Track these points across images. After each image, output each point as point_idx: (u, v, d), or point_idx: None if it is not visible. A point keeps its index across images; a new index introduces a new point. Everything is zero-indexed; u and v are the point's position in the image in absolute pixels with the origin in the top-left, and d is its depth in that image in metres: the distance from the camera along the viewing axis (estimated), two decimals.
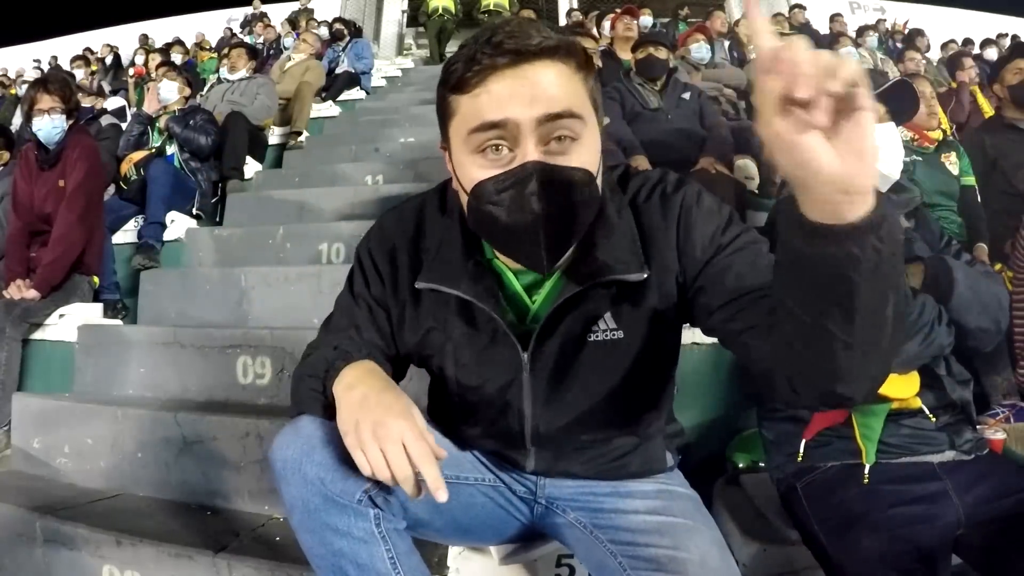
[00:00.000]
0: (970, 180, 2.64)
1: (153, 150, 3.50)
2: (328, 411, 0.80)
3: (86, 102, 4.85)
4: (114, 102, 5.30)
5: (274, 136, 4.70)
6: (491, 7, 7.33)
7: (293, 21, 8.23)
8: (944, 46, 7.92)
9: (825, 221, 0.54)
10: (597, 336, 0.86)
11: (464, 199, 0.81)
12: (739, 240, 0.82)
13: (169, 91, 3.59)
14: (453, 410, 0.96)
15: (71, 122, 2.65)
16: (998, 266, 2.46)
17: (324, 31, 7.52)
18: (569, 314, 0.85)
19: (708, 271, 0.81)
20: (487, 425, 0.95)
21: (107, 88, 6.66)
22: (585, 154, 0.77)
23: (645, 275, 0.82)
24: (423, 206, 0.93)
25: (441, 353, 0.91)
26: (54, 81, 2.71)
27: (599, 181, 0.81)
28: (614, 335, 0.86)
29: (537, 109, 0.73)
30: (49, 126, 2.58)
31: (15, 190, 2.63)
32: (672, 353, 0.93)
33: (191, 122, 3.48)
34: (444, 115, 0.82)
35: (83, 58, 7.92)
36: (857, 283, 0.56)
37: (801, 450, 1.25)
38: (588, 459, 0.95)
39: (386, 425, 0.72)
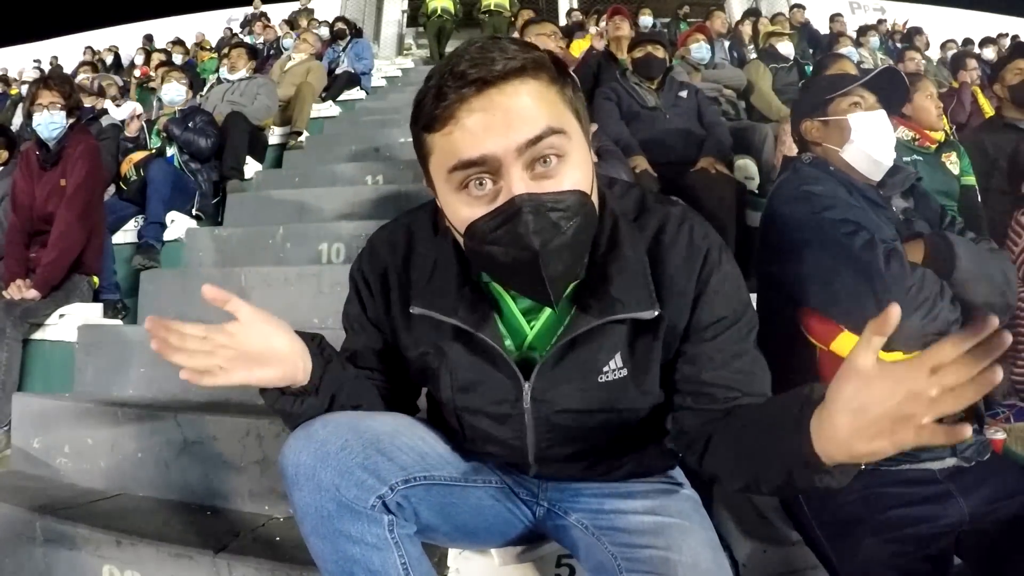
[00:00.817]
0: (970, 180, 2.63)
1: (153, 151, 3.49)
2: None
3: (87, 102, 4.83)
4: (126, 109, 5.20)
5: (274, 136, 4.70)
6: (491, 7, 7.32)
7: (292, 21, 8.22)
8: (944, 46, 7.92)
9: (828, 462, 0.65)
10: (608, 376, 0.84)
11: (458, 237, 0.78)
12: (744, 336, 0.84)
13: (177, 93, 3.59)
14: (453, 425, 0.95)
15: (72, 121, 2.65)
16: None
17: (324, 31, 7.52)
18: (576, 348, 0.83)
19: (704, 345, 0.83)
20: (488, 441, 0.94)
21: (107, 87, 6.63)
22: (575, 171, 0.73)
23: (656, 312, 0.80)
24: (413, 227, 0.90)
25: (436, 376, 0.89)
26: (55, 78, 2.71)
27: (595, 197, 0.77)
28: (620, 373, 0.84)
29: (515, 137, 0.69)
30: (48, 121, 2.58)
31: (14, 190, 2.63)
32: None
33: (190, 123, 3.48)
34: (421, 153, 0.78)
35: (91, 64, 7.92)
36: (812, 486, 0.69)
37: None
38: (590, 466, 0.95)
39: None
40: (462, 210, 0.74)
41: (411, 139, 0.78)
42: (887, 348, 1.15)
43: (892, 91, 1.41)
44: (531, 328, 0.86)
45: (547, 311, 0.84)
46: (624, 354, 0.83)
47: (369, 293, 0.91)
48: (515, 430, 0.89)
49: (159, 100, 3.76)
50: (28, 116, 2.70)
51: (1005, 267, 1.27)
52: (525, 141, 0.70)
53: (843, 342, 1.20)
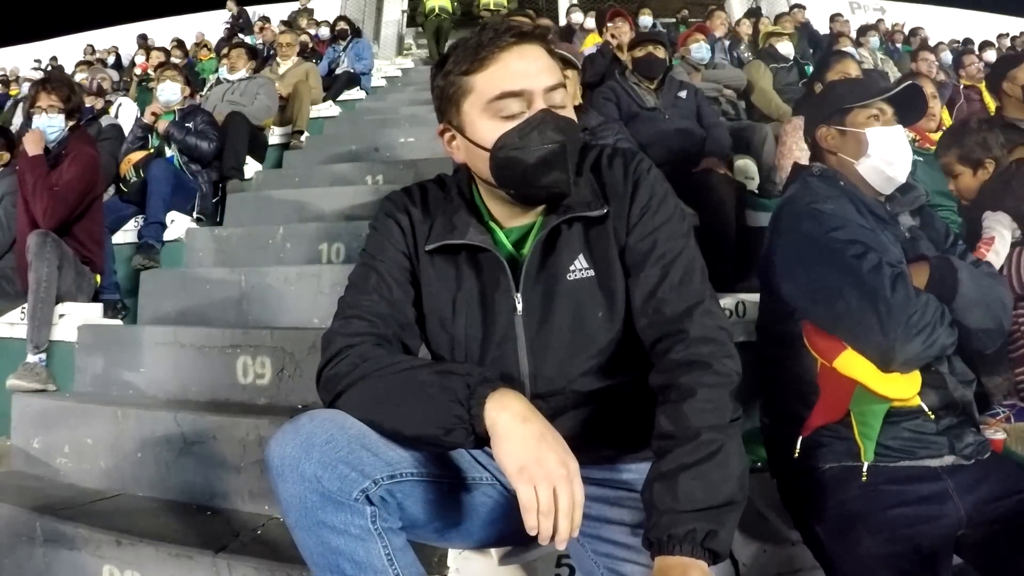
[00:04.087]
0: None
1: (152, 150, 3.49)
2: (475, 438, 0.82)
3: (87, 101, 4.82)
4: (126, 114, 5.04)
5: (274, 136, 4.70)
6: (491, 5, 7.35)
7: (292, 22, 8.22)
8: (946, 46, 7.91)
9: None
10: (575, 275, 0.96)
11: (483, 160, 0.93)
12: (679, 232, 0.96)
13: (172, 92, 3.59)
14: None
15: (71, 124, 2.66)
16: None
17: (325, 31, 7.52)
18: (549, 257, 0.97)
19: (647, 239, 0.95)
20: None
21: (108, 86, 6.61)
22: (570, 110, 0.96)
23: (605, 210, 0.96)
24: (425, 187, 1.06)
25: (453, 312, 0.98)
26: (55, 81, 2.70)
27: None
28: (587, 273, 0.96)
29: (544, 81, 0.92)
30: (46, 124, 2.59)
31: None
32: None
33: (190, 124, 3.47)
34: (455, 96, 0.95)
35: (87, 63, 7.92)
36: None
37: (798, 447, 1.25)
38: (584, 417, 0.96)
39: (568, 466, 0.78)
40: (495, 131, 0.92)
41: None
42: (886, 370, 1.16)
43: (911, 107, 1.39)
44: (522, 255, 0.99)
45: (530, 239, 0.98)
46: (586, 255, 0.97)
47: (398, 233, 1.01)
48: (511, 355, 0.97)
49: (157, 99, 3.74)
50: (28, 117, 2.71)
51: (1002, 294, 1.28)
52: (550, 84, 0.93)
53: (846, 360, 1.20)
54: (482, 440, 0.81)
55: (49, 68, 9.43)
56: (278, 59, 5.30)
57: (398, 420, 0.85)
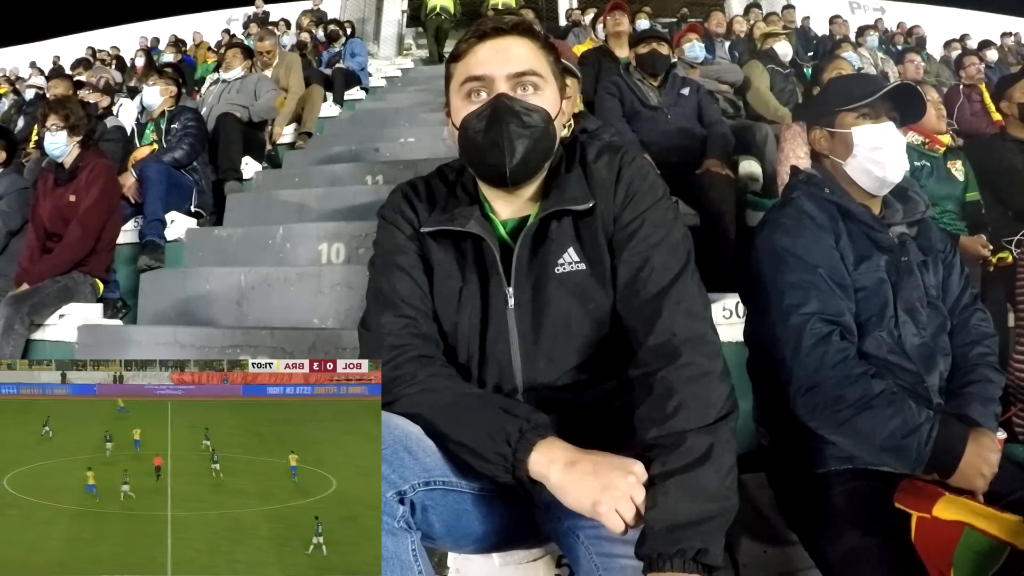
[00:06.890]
0: (975, 196, 2.64)
1: (155, 147, 3.48)
2: (513, 477, 0.85)
3: (91, 98, 4.80)
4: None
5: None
6: (499, 5, 7.38)
7: (298, 23, 8.23)
8: (947, 45, 7.92)
9: None
10: (564, 268, 0.99)
11: (457, 140, 1.01)
12: (665, 220, 0.98)
13: (152, 97, 3.60)
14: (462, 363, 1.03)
15: (79, 139, 2.72)
16: (996, 257, 2.48)
17: (321, 33, 7.55)
18: (538, 250, 1.00)
19: (632, 226, 0.98)
20: (483, 379, 1.01)
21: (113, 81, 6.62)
22: (544, 101, 0.99)
23: (591, 203, 0.99)
24: (430, 178, 1.11)
25: (459, 304, 1.01)
26: (54, 101, 2.80)
27: (556, 129, 1.01)
28: (577, 267, 0.99)
29: (508, 68, 0.98)
30: (50, 142, 2.69)
31: (32, 210, 2.75)
32: None
33: (173, 125, 3.45)
34: (445, 82, 1.05)
35: (86, 60, 7.94)
36: None
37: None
38: (577, 412, 0.97)
39: (630, 469, 0.81)
40: (463, 111, 0.99)
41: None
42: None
43: (908, 108, 1.35)
44: (515, 244, 1.01)
45: (524, 230, 1.00)
46: (576, 248, 0.99)
47: (412, 214, 1.06)
48: (505, 349, 0.99)
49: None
50: (41, 137, 2.90)
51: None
52: (514, 72, 0.98)
53: (947, 503, 1.05)
54: (519, 480, 0.85)
55: (51, 68, 9.43)
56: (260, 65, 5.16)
57: (450, 433, 0.90)
